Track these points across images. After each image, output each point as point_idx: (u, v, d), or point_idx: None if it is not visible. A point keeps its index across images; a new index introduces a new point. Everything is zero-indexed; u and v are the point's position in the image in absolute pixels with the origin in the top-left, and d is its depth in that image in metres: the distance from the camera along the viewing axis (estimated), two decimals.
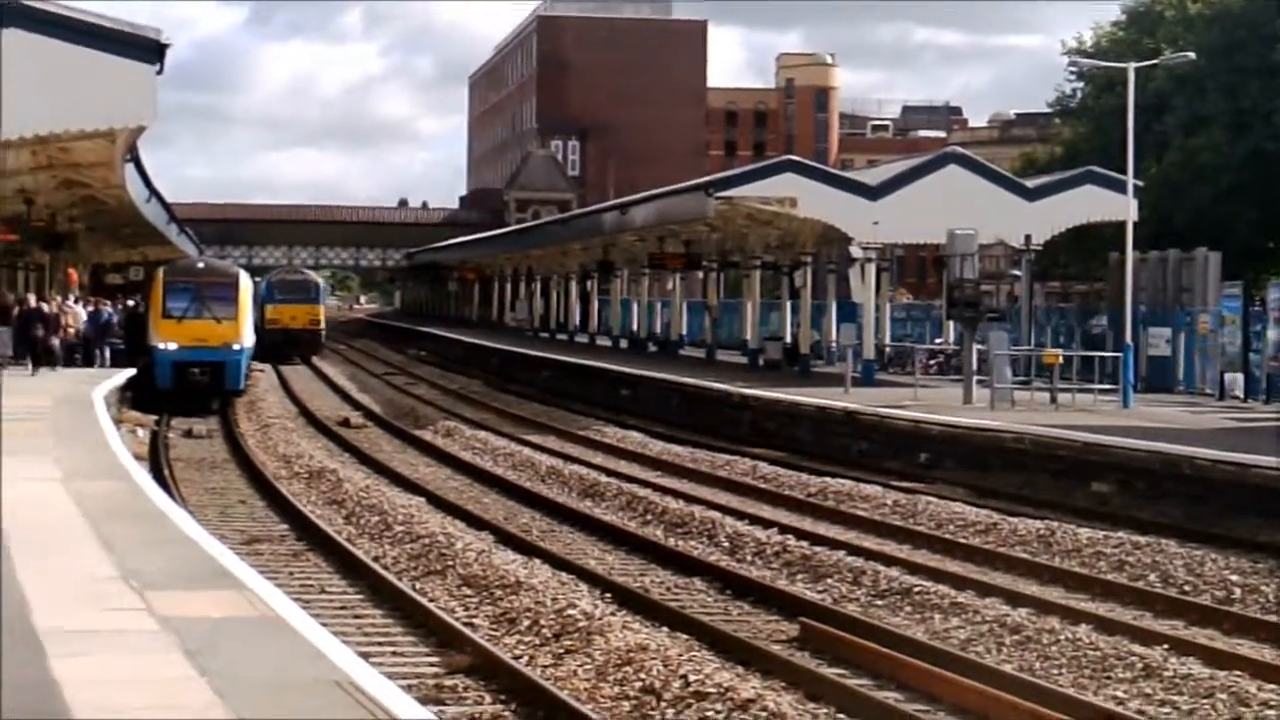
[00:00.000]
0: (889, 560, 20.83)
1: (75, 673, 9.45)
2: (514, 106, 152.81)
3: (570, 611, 16.37)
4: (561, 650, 15.26)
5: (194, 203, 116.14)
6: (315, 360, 71.07)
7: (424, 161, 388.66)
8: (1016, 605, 17.79)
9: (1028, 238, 47.99)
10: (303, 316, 71.43)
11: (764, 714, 12.67)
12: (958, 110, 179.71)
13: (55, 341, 42.52)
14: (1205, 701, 13.99)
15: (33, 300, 43.87)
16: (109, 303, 52.33)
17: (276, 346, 65.93)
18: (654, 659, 14.33)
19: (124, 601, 11.90)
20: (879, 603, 18.43)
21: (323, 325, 74.66)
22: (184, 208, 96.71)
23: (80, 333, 46.21)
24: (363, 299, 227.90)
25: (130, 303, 53.58)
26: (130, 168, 42.54)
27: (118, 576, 12.89)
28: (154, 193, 54.03)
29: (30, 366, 40.37)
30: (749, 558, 21.50)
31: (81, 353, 45.70)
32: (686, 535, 23.37)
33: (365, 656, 11.78)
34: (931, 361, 53.08)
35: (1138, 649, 15.58)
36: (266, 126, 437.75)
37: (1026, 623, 16.75)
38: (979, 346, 40.16)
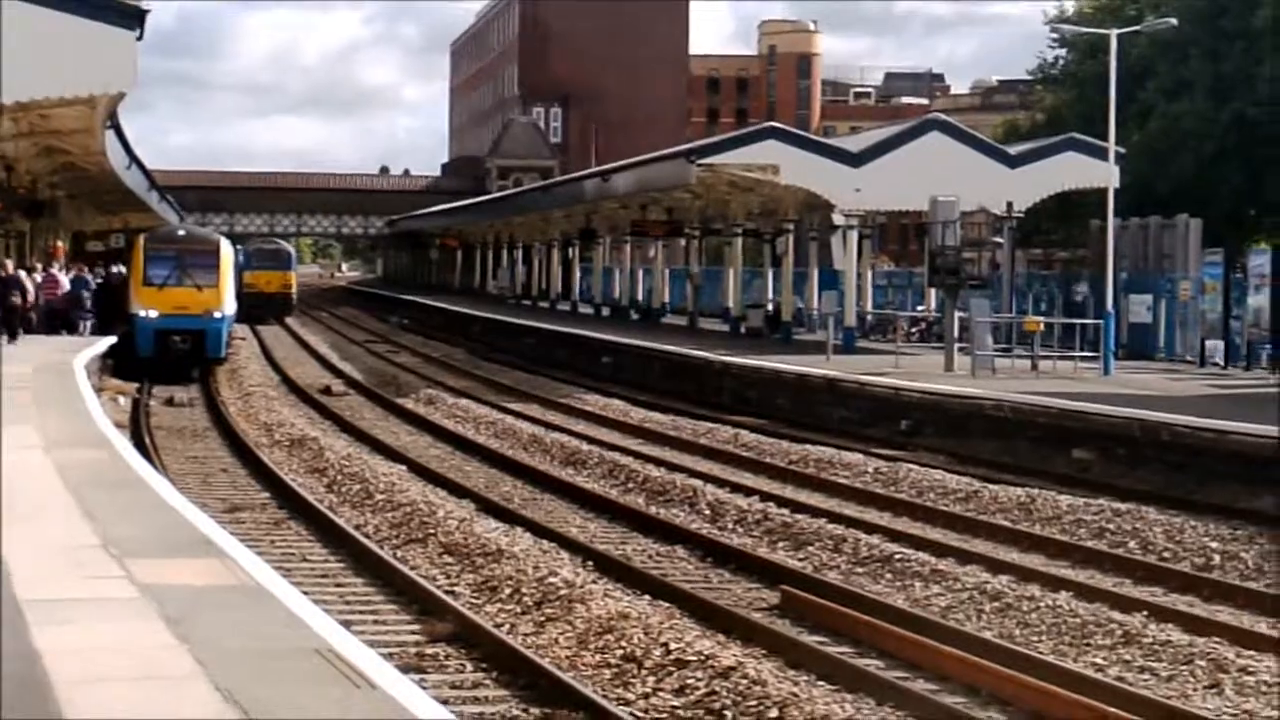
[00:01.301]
0: (870, 528, 20.88)
1: (56, 642, 9.47)
2: (496, 73, 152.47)
3: (551, 580, 16.41)
4: (543, 618, 15.30)
5: (175, 170, 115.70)
6: (297, 328, 72.16)
7: (406, 129, 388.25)
8: (997, 572, 17.86)
9: (1009, 205, 48.05)
10: (276, 281, 78.69)
11: (745, 681, 12.71)
12: (940, 77, 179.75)
13: (30, 310, 42.28)
14: (1184, 668, 14.07)
15: (10, 268, 43.72)
16: (88, 270, 52.21)
17: (253, 308, 69.81)
18: (635, 627, 14.38)
19: (105, 570, 11.92)
20: (860, 570, 18.48)
21: (294, 290, 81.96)
22: (165, 175, 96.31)
23: (63, 299, 46.14)
24: (344, 267, 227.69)
25: (102, 272, 53.41)
26: (111, 134, 42.42)
27: (99, 545, 12.92)
28: (134, 160, 53.90)
29: (5, 336, 40.18)
30: (730, 525, 21.55)
31: (63, 321, 45.60)
32: (668, 503, 23.41)
33: (346, 625, 11.82)
34: (913, 329, 53.15)
35: (1117, 616, 15.65)
36: (248, 93, 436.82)
37: (1007, 590, 16.81)
38: (960, 314, 40.24)
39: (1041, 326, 40.65)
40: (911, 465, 27.00)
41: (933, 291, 51.08)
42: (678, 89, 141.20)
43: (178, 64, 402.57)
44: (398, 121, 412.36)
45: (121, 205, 66.61)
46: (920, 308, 56.71)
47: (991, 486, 24.52)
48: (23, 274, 45.70)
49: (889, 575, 18.10)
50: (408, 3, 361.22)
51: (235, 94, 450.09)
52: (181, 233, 48.30)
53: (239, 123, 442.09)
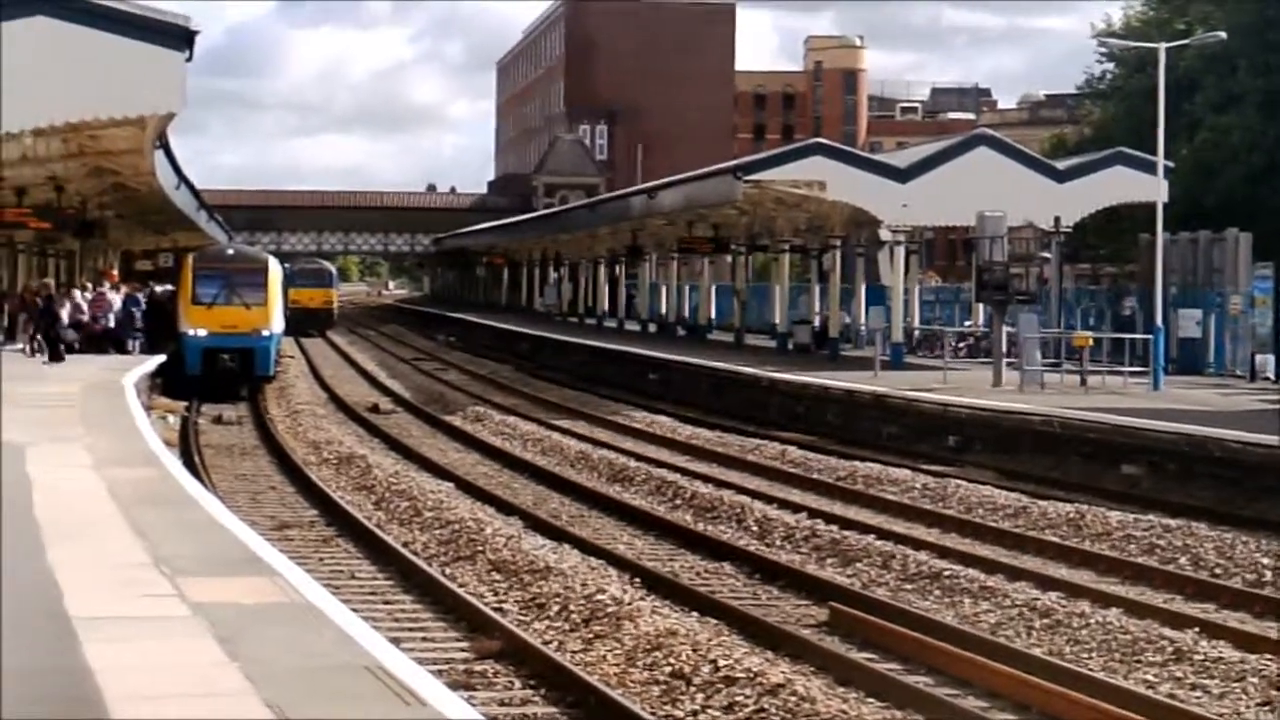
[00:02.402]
0: (918, 544, 20.83)
1: (108, 659, 9.51)
2: (542, 91, 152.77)
3: (600, 596, 16.39)
4: (591, 635, 15.29)
5: (224, 189, 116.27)
6: (345, 346, 73.06)
7: (452, 146, 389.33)
8: (1046, 589, 17.78)
9: (1057, 220, 47.91)
10: (319, 298, 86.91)
11: (793, 698, 12.69)
12: (987, 92, 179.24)
13: (70, 330, 42.13)
14: (1236, 685, 13.98)
15: (52, 287, 43.89)
16: (140, 288, 52.47)
17: (298, 322, 72.79)
18: (683, 644, 14.36)
19: (156, 588, 11.92)
20: (908, 587, 18.43)
21: (334, 305, 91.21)
22: (214, 194, 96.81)
23: (114, 319, 46.39)
24: (391, 284, 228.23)
25: (152, 290, 53.65)
26: (160, 155, 42.64)
27: (149, 563, 12.92)
28: (183, 179, 54.17)
29: (47, 354, 40.02)
30: (778, 542, 21.51)
31: (112, 340, 45.81)
32: (715, 519, 23.39)
33: (395, 642, 11.83)
34: (960, 344, 52.98)
35: (1168, 632, 15.56)
36: (296, 112, 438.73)
37: (1056, 606, 16.74)
38: (1008, 329, 40.14)
39: (1090, 341, 40.46)
40: (960, 481, 26.91)
41: (980, 307, 50.92)
42: (723, 105, 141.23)
43: (227, 83, 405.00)
44: (444, 139, 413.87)
45: (170, 225, 66.97)
46: (968, 323, 56.53)
47: (1040, 502, 24.42)
48: (76, 293, 46.00)
49: (938, 592, 18.04)
50: (453, 19, 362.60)
51: (284, 112, 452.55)
52: (230, 252, 48.53)
53: (287, 141, 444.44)
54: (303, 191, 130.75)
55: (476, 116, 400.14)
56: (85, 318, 45.35)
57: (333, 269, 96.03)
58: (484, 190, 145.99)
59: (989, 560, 19.83)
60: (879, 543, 20.73)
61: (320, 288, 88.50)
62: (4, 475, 18.23)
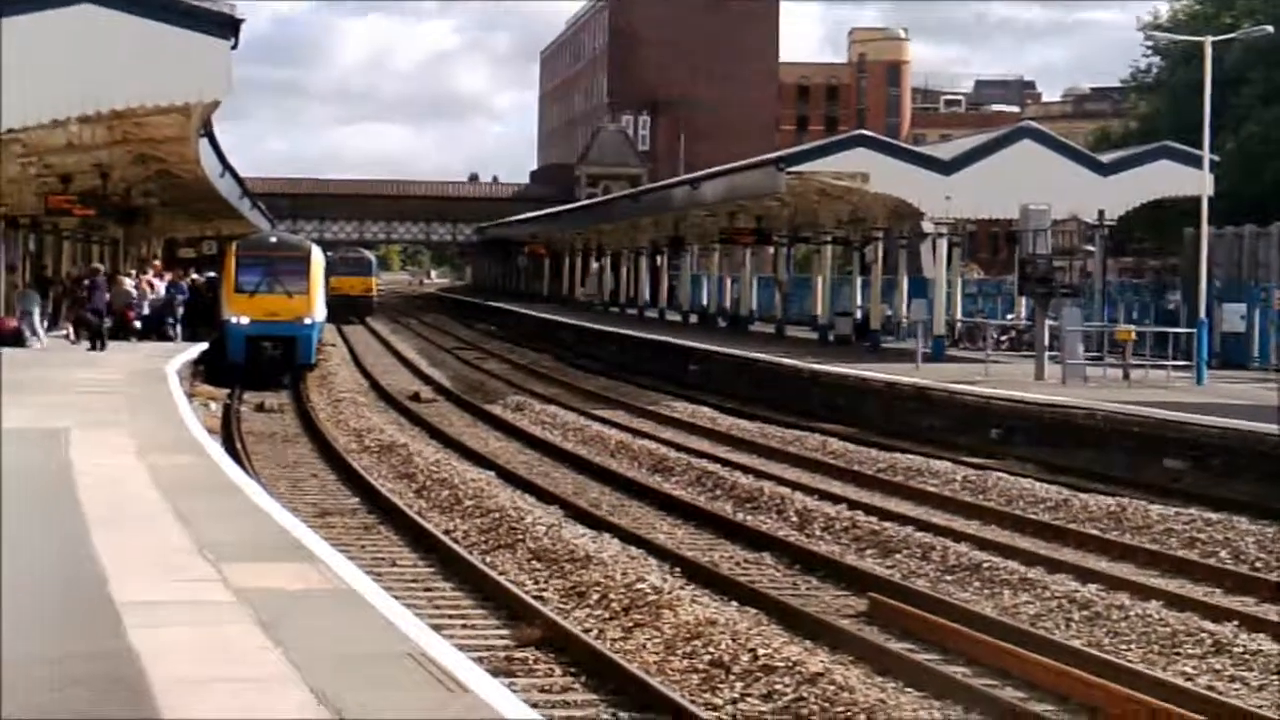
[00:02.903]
0: (958, 536, 20.82)
1: (152, 643, 9.60)
2: (585, 81, 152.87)
3: (640, 586, 16.42)
4: (631, 624, 15.33)
5: (267, 177, 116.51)
6: (386, 334, 73.64)
7: (496, 136, 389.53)
8: (1086, 581, 17.75)
9: (1101, 213, 47.71)
10: (359, 286, 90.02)
11: (832, 687, 12.73)
12: (1032, 85, 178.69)
13: (109, 318, 42.12)
14: (1275, 678, 13.97)
15: (98, 270, 44.06)
16: (183, 275, 52.75)
17: (339, 310, 73.73)
18: (723, 633, 14.40)
19: (200, 573, 12.02)
20: (948, 578, 18.42)
21: (374, 293, 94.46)
22: (257, 181, 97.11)
23: (156, 305, 46.65)
24: (433, 273, 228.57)
25: (194, 278, 53.87)
26: (204, 143, 42.84)
27: (193, 549, 13.01)
28: (227, 168, 54.36)
29: (91, 340, 40.10)
30: (818, 533, 21.53)
31: (155, 328, 46.06)
32: (756, 510, 23.42)
33: (437, 629, 11.89)
34: (1003, 337, 52.84)
35: (1208, 625, 15.55)
36: (341, 101, 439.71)
37: (1096, 599, 16.72)
38: (1051, 322, 40.02)
39: (1134, 335, 40.34)
40: (1001, 474, 26.90)
41: (1023, 300, 50.83)
42: (767, 96, 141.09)
43: (274, 72, 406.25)
44: (488, 129, 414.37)
45: (214, 212, 67.23)
46: (1010, 316, 56.39)
47: (1081, 495, 24.38)
48: (127, 280, 46.19)
49: (977, 583, 18.04)
50: (498, 9, 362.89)
51: (328, 101, 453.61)
52: (273, 240, 48.67)
53: (331, 130, 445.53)
54: (346, 180, 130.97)
55: (520, 107, 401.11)
56: (135, 304, 45.58)
57: (372, 257, 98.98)
58: (526, 180, 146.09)
59: (1029, 552, 19.81)
60: (919, 534, 20.71)
61: (361, 276, 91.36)
62: (50, 460, 18.38)
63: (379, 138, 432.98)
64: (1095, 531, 21.90)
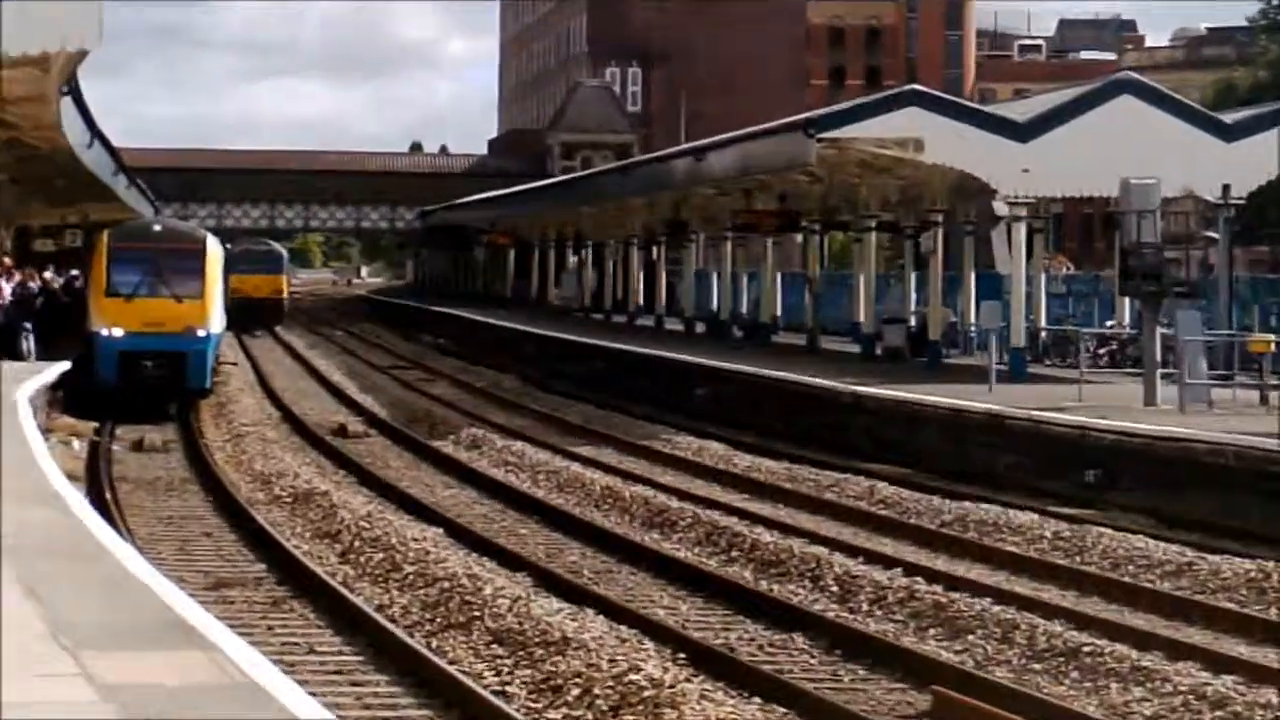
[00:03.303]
0: (1049, 611, 20.68)
1: None
2: (559, 25, 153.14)
3: (633, 677, 16.30)
4: None
5: (151, 148, 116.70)
6: (303, 350, 73.78)
7: (445, 95, 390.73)
8: (1220, 672, 17.60)
9: (1226, 188, 47.60)
10: (266, 286, 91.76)
11: None
12: (1131, 25, 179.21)
13: None
14: None
15: None
16: (36, 276, 52.52)
17: (240, 316, 74.78)
18: None
19: (53, 665, 11.87)
20: (1035, 667, 18.35)
21: (285, 295, 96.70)
22: (138, 155, 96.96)
23: (3, 313, 46.43)
24: (364, 271, 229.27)
25: (51, 279, 53.68)
26: (68, 103, 42.65)
27: (45, 633, 12.88)
28: (98, 136, 54.22)
29: None
30: (865, 606, 21.44)
31: (2, 342, 45.84)
32: (784, 577, 23.31)
33: None
34: (1101, 350, 52.68)
35: None
36: (247, 52, 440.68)
37: (1234, 694, 16.59)
38: (1164, 330, 39.84)
39: (1272, 347, 40.15)
40: (1103, 528, 26.74)
41: (1126, 302, 50.66)
42: (792, 43, 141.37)
43: (162, 13, 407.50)
44: (435, 86, 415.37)
45: (80, 193, 67.07)
46: (1110, 323, 56.21)
47: (1210, 558, 24.25)
48: None
49: (1075, 674, 17.92)
50: None
51: (230, 52, 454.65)
52: (157, 228, 48.59)
53: (234, 88, 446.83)
54: (252, 152, 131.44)
55: (475, 57, 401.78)
56: None
57: (283, 251, 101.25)
58: (484, 151, 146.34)
59: (1142, 633, 19.67)
60: (996, 608, 20.56)
61: (268, 273, 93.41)
62: None
63: (295, 98, 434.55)
64: (1230, 605, 21.76)
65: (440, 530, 26.35)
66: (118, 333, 43.40)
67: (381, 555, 23.74)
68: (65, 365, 43.30)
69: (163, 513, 28.82)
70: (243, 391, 51.50)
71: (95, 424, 39.40)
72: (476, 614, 19.74)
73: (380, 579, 22.50)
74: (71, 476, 25.92)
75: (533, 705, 16.22)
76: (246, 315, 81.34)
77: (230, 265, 72.95)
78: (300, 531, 26.44)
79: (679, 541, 26.33)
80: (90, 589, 14.83)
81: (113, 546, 17.51)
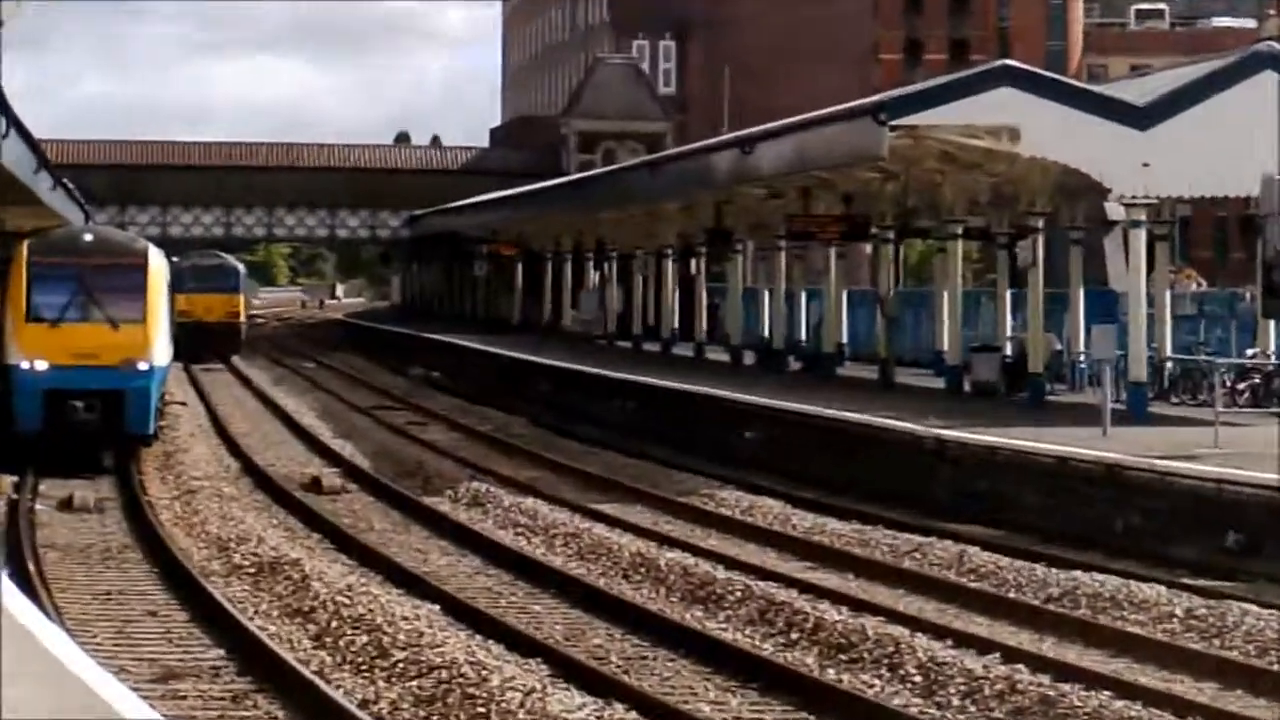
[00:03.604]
0: (1181, 706, 20.66)
1: None
2: None
3: None
4: None
5: (83, 139, 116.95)
6: (267, 386, 73.87)
7: (438, 75, 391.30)
8: None
9: None
10: (219, 308, 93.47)
11: None
12: None
13: None
14: None
15: None
16: None
17: (189, 344, 74.65)
18: None
19: None
20: None
21: (241, 317, 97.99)
22: (67, 147, 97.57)
23: None
24: (340, 289, 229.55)
25: None
26: None
27: None
28: (13, 124, 54.25)
29: None
30: (954, 700, 21.43)
31: None
32: (855, 664, 23.30)
33: None
34: (1241, 385, 52.45)
35: None
36: (201, 23, 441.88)
37: None
38: None
39: None
40: (1246, 604, 26.61)
41: (1271, 326, 50.51)
42: (858, 10, 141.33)
43: None
44: (426, 65, 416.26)
45: None
46: (1252, 352, 56.05)
47: None
48: None
49: None
50: None
51: (180, 23, 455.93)
52: (88, 238, 48.40)
53: (186, 68, 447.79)
54: (205, 145, 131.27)
55: (474, 31, 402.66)
56: None
57: (238, 265, 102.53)
58: (485, 143, 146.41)
59: None
60: (1118, 704, 20.52)
61: (221, 292, 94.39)
62: None
63: (259, 80, 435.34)
64: None
65: (436, 607, 26.36)
66: (40, 366, 43.31)
67: (365, 638, 23.75)
68: None
69: (98, 587, 28.80)
70: (194, 438, 51.52)
71: (13, 478, 39.38)
72: (481, 710, 19.79)
73: (364, 667, 22.53)
74: None
75: None
76: (196, 342, 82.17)
77: (176, 283, 73.09)
78: (266, 609, 26.45)
79: (726, 620, 26.32)
80: (10, 682, 14.71)
81: (36, 629, 17.41)
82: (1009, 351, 56.56)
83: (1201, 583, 29.03)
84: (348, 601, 25.95)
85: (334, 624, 24.84)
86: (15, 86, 49.84)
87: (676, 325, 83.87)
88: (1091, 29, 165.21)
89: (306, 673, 21.77)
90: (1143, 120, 47.76)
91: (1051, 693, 21.03)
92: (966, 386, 55.59)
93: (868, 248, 67.62)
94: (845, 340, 69.27)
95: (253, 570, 29.54)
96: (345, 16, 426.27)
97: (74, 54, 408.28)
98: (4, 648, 16.40)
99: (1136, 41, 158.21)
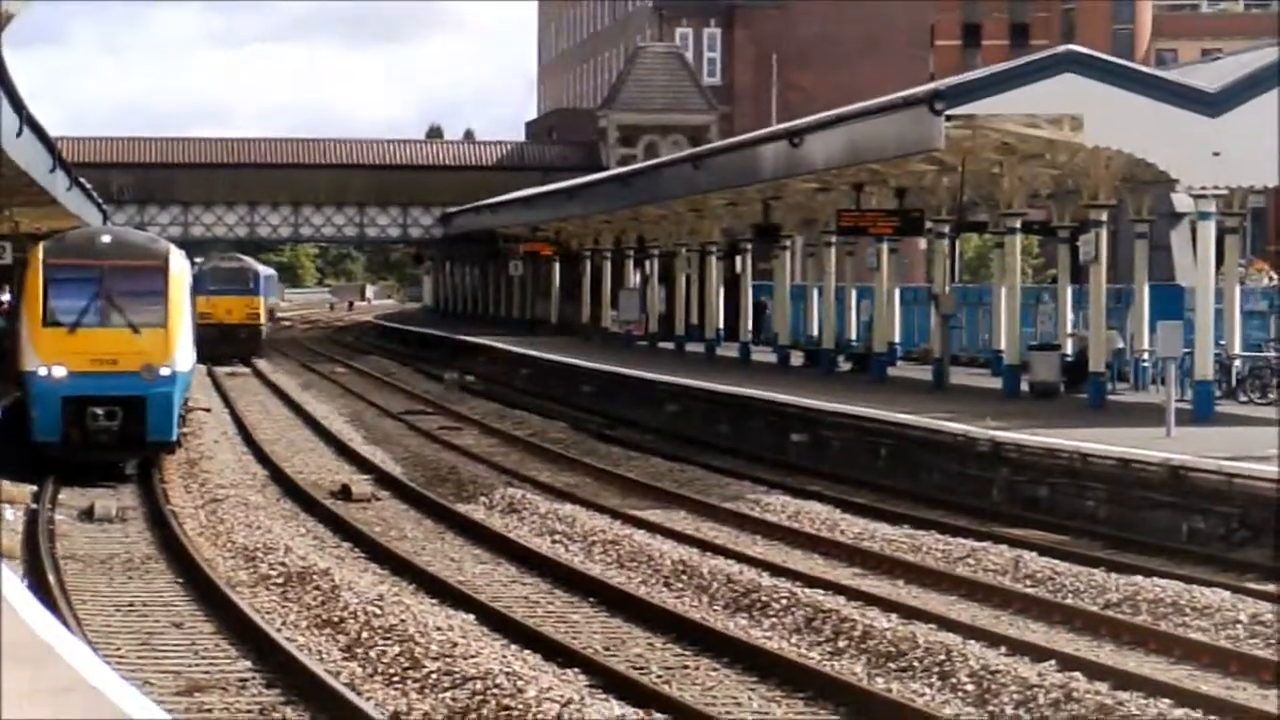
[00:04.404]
0: (1244, 716, 20.71)
1: None
2: None
3: None
4: None
5: (99, 136, 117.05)
6: (295, 391, 74.07)
7: (471, 66, 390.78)
8: None
9: None
10: (239, 310, 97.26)
11: None
12: None
13: None
14: None
15: None
16: None
17: (210, 344, 76.11)
18: None
19: None
20: None
21: (262, 320, 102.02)
22: (83, 145, 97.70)
23: None
24: (370, 291, 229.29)
25: None
26: None
27: None
28: (28, 123, 54.50)
29: None
30: (1009, 710, 21.46)
31: None
32: (905, 673, 23.38)
33: None
34: None
35: None
36: (219, 11, 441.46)
37: None
38: None
39: None
40: None
41: None
42: None
43: None
44: (458, 53, 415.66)
45: (9, 196, 67.48)
46: None
47: None
48: None
49: None
50: None
51: (199, 10, 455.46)
52: (106, 239, 48.36)
53: (206, 60, 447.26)
54: (228, 141, 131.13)
55: (508, 19, 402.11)
56: None
57: (260, 269, 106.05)
58: (521, 137, 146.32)
59: None
60: (1178, 712, 20.57)
61: (240, 294, 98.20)
62: None
63: (282, 71, 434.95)
64: None
65: (470, 616, 26.49)
66: (59, 373, 43.34)
67: (397, 649, 23.87)
68: None
69: (121, 599, 28.90)
70: (219, 445, 51.55)
71: (33, 488, 39.46)
72: None
73: (396, 678, 22.63)
74: (7, 555, 26.05)
75: None
76: (217, 344, 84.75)
77: (197, 285, 73.29)
78: (294, 620, 26.56)
79: (771, 629, 26.39)
80: (31, 697, 14.86)
81: (58, 642, 17.54)
82: (1069, 350, 56.57)
83: (1268, 588, 29.07)
84: (379, 612, 26.03)
85: (365, 635, 24.92)
86: (26, 84, 49.63)
87: (721, 325, 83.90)
88: (1161, 11, 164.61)
89: (336, 684, 21.86)
90: (1213, 107, 47.63)
91: (1109, 701, 21.07)
92: (1025, 387, 55.61)
93: (922, 243, 67.64)
94: (897, 339, 69.30)
95: (280, 580, 29.63)
96: (373, 4, 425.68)
97: (84, 48, 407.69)
98: (16, 662, 16.63)
99: (1208, 24, 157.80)
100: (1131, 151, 48.12)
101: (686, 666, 24.23)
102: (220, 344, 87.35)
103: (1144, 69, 57.65)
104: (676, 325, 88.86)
